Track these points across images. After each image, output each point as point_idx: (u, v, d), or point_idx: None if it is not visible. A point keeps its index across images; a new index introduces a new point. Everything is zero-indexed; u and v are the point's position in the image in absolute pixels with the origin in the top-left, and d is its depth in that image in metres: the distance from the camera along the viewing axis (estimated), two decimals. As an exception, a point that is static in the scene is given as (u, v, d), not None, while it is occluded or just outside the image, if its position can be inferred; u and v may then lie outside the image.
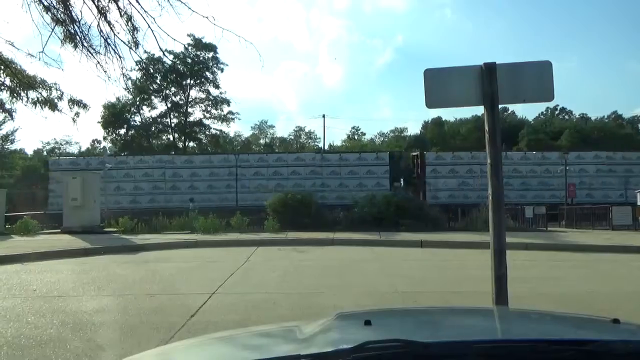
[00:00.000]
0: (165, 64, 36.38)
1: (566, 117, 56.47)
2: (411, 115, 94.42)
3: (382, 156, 27.89)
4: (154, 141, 43.32)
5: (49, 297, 6.45)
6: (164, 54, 8.18)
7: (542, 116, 56.35)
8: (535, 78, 3.61)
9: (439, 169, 26.33)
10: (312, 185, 26.24)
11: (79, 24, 6.63)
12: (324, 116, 50.07)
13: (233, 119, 43.63)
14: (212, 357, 1.42)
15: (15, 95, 9.79)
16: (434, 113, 57.46)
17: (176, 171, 26.92)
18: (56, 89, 9.84)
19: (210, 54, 40.80)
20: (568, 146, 36.51)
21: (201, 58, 41.12)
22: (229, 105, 42.68)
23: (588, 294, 6.77)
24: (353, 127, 60.92)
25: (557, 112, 56.75)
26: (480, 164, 26.34)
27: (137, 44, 6.76)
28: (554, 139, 45.19)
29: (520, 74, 3.61)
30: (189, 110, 42.93)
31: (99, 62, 6.73)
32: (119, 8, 6.41)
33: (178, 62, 39.21)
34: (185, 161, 27.93)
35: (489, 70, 3.49)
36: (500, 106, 3.66)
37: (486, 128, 3.55)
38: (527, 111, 69.62)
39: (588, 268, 9.36)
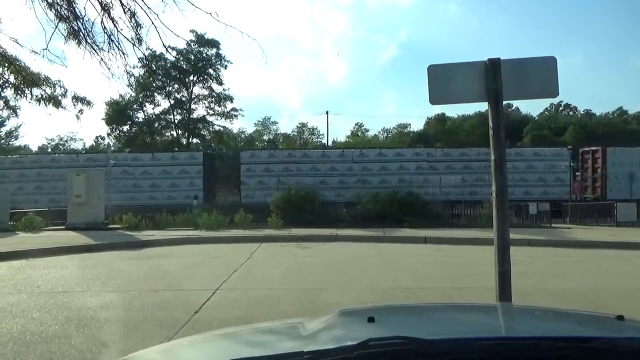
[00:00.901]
0: (168, 61, 36.35)
1: (570, 113, 56.22)
2: (415, 111, 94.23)
3: (195, 155, 27.66)
4: (157, 138, 43.38)
5: (53, 293, 6.48)
6: (167, 50, 8.18)
7: (546, 112, 56.17)
8: (540, 74, 3.59)
9: (254, 168, 26.20)
10: (123, 186, 25.32)
11: (83, 20, 6.61)
12: (327, 112, 50.05)
13: (236, 115, 43.59)
14: (216, 354, 1.42)
15: (19, 92, 9.80)
16: (438, 109, 57.44)
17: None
18: (60, 86, 9.83)
19: (213, 51, 40.79)
20: (572, 142, 36.39)
21: (204, 55, 41.10)
22: (232, 101, 42.70)
23: (592, 290, 6.76)
24: (356, 124, 60.87)
25: (561, 108, 56.52)
26: (296, 162, 26.02)
27: (140, 41, 6.73)
28: (558, 134, 45.04)
29: (525, 69, 3.59)
30: (192, 106, 42.96)
31: (102, 59, 6.71)
32: (122, 4, 6.39)
33: (181, 58, 39.20)
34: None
35: (493, 66, 3.48)
36: (504, 102, 3.64)
37: (490, 124, 3.54)
38: (532, 107, 69.18)
39: (592, 264, 9.33)
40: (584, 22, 76.08)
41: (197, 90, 42.71)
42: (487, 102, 3.54)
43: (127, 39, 6.62)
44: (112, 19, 6.38)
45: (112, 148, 31.72)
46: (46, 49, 6.78)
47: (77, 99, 9.80)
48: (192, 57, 40.63)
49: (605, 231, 14.96)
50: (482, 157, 25.50)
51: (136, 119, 42.75)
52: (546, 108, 56.24)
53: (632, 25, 74.55)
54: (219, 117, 43.43)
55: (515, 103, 47.87)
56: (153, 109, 42.79)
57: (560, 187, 23.88)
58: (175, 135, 43.66)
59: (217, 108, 43.05)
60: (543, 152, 26.56)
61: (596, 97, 79.54)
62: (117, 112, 40.57)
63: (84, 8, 6.45)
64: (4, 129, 43.38)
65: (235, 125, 55.97)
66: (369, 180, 24.20)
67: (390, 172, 24.80)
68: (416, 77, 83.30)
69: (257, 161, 26.19)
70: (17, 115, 14.89)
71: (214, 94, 42.47)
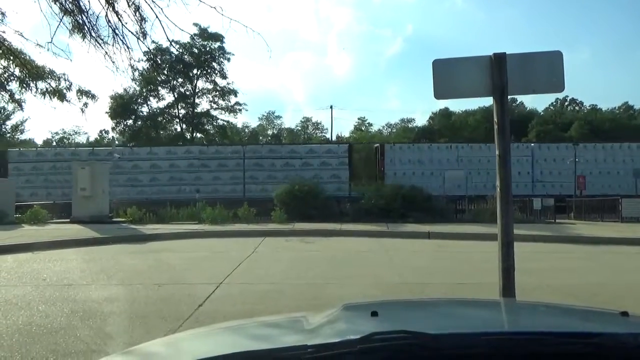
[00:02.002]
0: (172, 55, 36.32)
1: (576, 108, 55.89)
2: (420, 106, 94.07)
3: None
4: (161, 132, 43.43)
5: (58, 285, 6.53)
6: (171, 44, 8.22)
7: (551, 107, 55.86)
8: (546, 68, 3.57)
9: (22, 167, 25.83)
10: None
11: (87, 14, 6.63)
12: (331, 107, 49.99)
13: (240, 109, 43.63)
14: (219, 347, 1.42)
15: (24, 85, 9.85)
16: (442, 104, 57.18)
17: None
18: (65, 80, 9.87)
19: (217, 44, 40.71)
20: (578, 137, 36.21)
21: (208, 48, 41.02)
22: (236, 95, 42.69)
23: (596, 286, 6.74)
24: (359, 118, 60.72)
25: (567, 103, 56.18)
26: (65, 160, 25.08)
27: (145, 35, 6.74)
28: (563, 130, 44.79)
29: (531, 64, 3.56)
30: (196, 101, 42.99)
31: (107, 53, 6.73)
32: (126, -2, 6.40)
33: (185, 52, 39.16)
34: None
35: (499, 61, 3.45)
36: (509, 97, 3.62)
37: (495, 119, 3.52)
38: (537, 102, 69.02)
39: (596, 260, 9.31)
40: (591, 17, 75.53)
41: (201, 84, 42.75)
42: (492, 97, 3.53)
43: (132, 33, 6.63)
44: (117, 13, 6.40)
45: (117, 143, 31.80)
46: (51, 42, 6.81)
47: (81, 92, 9.84)
48: (196, 50, 40.57)
49: (610, 227, 14.91)
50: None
51: (140, 113, 42.80)
52: (552, 103, 56.01)
53: (639, 20, 73.89)
54: (223, 112, 43.47)
55: (520, 98, 47.75)
56: (157, 102, 42.87)
57: (337, 183, 23.50)
58: (179, 129, 43.71)
59: (221, 102, 43.08)
60: (319, 149, 26.48)
61: (602, 92, 79.10)
62: (122, 106, 40.63)
63: (89, 1, 6.49)
64: (9, 123, 43.57)
65: (239, 120, 56.00)
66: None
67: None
68: (421, 71, 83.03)
69: (25, 160, 26.31)
70: (22, 109, 15.00)
71: (217, 88, 42.47)
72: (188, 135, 42.87)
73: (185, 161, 26.46)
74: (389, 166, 25.14)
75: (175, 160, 26.75)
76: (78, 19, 6.62)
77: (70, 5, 6.53)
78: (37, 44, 7.68)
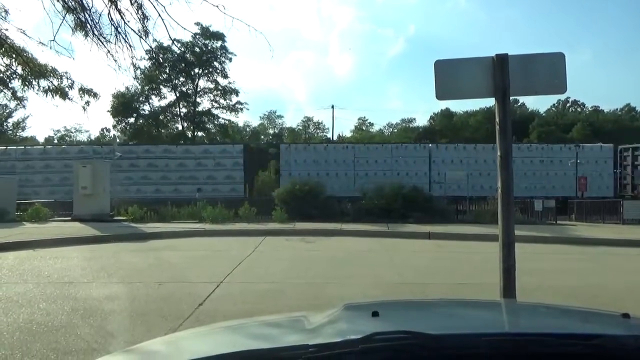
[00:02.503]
0: (174, 53, 36.30)
1: (578, 109, 55.82)
2: (421, 106, 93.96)
3: None
4: (163, 130, 43.42)
5: (59, 283, 6.54)
6: (173, 43, 8.22)
7: (553, 108, 55.79)
8: (548, 70, 3.56)
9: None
10: None
11: (90, 12, 6.63)
12: (332, 107, 49.94)
13: (242, 109, 43.57)
14: (220, 346, 1.43)
15: (26, 83, 9.85)
16: (443, 104, 57.11)
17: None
18: (67, 78, 9.85)
19: (219, 43, 40.70)
20: (579, 139, 36.17)
21: (209, 47, 41.00)
22: (237, 95, 42.63)
23: (597, 287, 6.74)
24: (360, 118, 60.66)
25: (568, 105, 56.11)
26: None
27: (147, 33, 6.73)
28: (565, 131, 44.73)
29: (533, 65, 3.56)
30: (198, 99, 42.97)
31: (109, 51, 6.73)
32: (129, -4, 6.39)
33: (187, 51, 39.16)
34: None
35: (501, 62, 3.45)
36: (511, 98, 3.62)
37: (497, 120, 3.52)
38: (539, 103, 69.31)
39: (597, 262, 9.30)
40: (592, 18, 75.44)
41: (202, 83, 42.71)
42: (494, 98, 3.52)
43: (134, 31, 6.63)
44: (119, 11, 6.39)
45: (118, 141, 31.82)
46: (53, 40, 6.80)
47: (83, 90, 9.83)
48: (198, 49, 40.57)
49: (611, 229, 14.89)
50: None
51: (142, 112, 42.82)
52: (553, 104, 55.94)
53: (641, 21, 73.72)
54: (225, 111, 43.44)
55: (522, 99, 47.65)
56: (159, 101, 42.87)
57: (231, 184, 23.40)
58: (180, 128, 43.73)
59: (222, 101, 43.05)
60: (213, 149, 26.31)
61: (604, 94, 78.98)
62: (123, 104, 40.61)
63: None
64: (11, 120, 43.61)
65: (240, 119, 55.97)
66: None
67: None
68: (423, 71, 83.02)
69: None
70: (24, 107, 15.03)
71: (219, 87, 42.45)
72: (189, 134, 42.87)
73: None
74: (285, 167, 25.04)
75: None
76: (81, 17, 6.62)
77: (72, 3, 6.54)
78: (40, 42, 7.68)
